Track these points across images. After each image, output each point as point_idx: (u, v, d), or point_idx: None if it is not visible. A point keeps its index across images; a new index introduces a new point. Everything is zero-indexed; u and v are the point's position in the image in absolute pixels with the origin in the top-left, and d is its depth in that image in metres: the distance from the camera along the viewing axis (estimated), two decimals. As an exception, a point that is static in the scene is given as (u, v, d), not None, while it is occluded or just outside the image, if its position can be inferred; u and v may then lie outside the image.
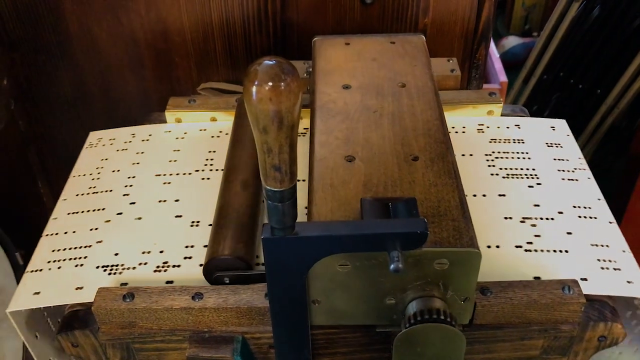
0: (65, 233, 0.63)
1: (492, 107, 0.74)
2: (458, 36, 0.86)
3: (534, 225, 0.60)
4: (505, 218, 0.61)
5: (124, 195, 0.66)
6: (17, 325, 0.56)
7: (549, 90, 1.68)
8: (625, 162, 1.51)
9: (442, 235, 0.47)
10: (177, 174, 0.68)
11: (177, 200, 0.65)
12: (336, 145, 0.56)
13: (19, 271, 0.83)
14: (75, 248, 0.61)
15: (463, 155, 0.69)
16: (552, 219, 0.61)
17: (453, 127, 0.73)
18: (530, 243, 0.58)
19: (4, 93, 0.88)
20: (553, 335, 0.53)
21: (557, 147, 0.70)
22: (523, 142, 0.70)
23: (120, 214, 0.64)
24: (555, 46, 1.62)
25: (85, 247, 0.60)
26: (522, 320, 0.52)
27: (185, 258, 0.58)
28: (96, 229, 0.62)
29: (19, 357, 0.80)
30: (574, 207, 0.62)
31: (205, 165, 0.69)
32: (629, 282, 0.55)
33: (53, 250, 0.61)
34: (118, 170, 0.70)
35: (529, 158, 0.68)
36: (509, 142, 0.70)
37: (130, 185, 0.67)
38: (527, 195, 0.64)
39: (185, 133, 0.74)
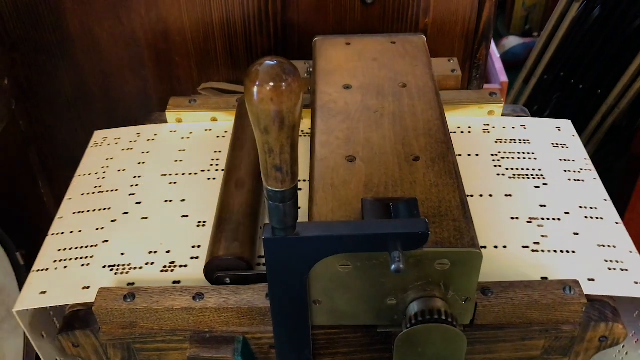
0: (71, 232, 0.63)
1: (492, 107, 0.74)
2: (459, 36, 0.86)
3: (540, 226, 0.60)
4: (512, 218, 0.61)
5: (130, 194, 0.66)
6: (23, 325, 0.56)
7: (549, 91, 1.68)
8: (625, 162, 1.51)
9: (443, 235, 0.47)
10: (183, 174, 0.68)
11: (183, 200, 0.65)
12: (337, 146, 0.56)
13: (19, 271, 0.83)
14: (81, 247, 0.60)
15: (469, 155, 0.69)
16: (559, 219, 0.61)
17: (459, 127, 0.73)
18: (537, 243, 0.58)
19: (4, 93, 0.88)
20: (554, 335, 0.53)
21: (562, 147, 0.70)
22: (529, 143, 0.70)
23: (126, 213, 0.64)
24: (555, 46, 1.62)
25: (92, 246, 0.60)
26: (523, 321, 0.52)
27: (192, 258, 0.58)
28: (102, 228, 0.62)
29: (19, 357, 0.80)
30: (581, 207, 0.62)
31: (211, 165, 0.69)
32: (636, 282, 0.55)
33: (59, 250, 0.61)
34: (124, 170, 0.70)
35: (535, 158, 0.68)
36: (515, 143, 0.70)
37: (136, 185, 0.67)
38: (533, 195, 0.64)
39: (190, 133, 0.74)
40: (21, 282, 0.82)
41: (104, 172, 0.70)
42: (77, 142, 0.98)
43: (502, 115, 0.74)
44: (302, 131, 0.70)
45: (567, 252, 0.58)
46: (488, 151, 0.69)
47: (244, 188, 0.61)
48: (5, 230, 0.82)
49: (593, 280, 0.55)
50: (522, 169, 0.67)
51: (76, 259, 0.59)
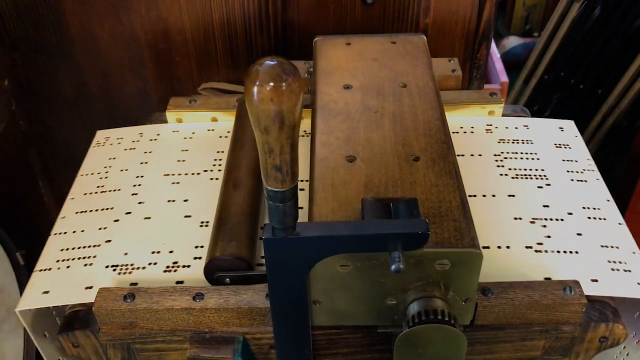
0: (74, 232, 0.62)
1: (493, 108, 0.74)
2: (459, 36, 0.86)
3: (543, 226, 0.60)
4: (515, 219, 0.61)
5: (133, 194, 0.66)
6: (25, 325, 0.56)
7: (549, 91, 1.68)
8: (626, 162, 1.51)
9: (443, 235, 0.47)
10: (186, 174, 0.68)
11: (186, 200, 0.65)
12: (337, 146, 0.56)
13: (19, 271, 0.83)
14: (84, 247, 0.60)
15: (472, 155, 0.69)
16: (562, 219, 0.61)
17: (461, 127, 0.73)
18: (541, 244, 0.58)
19: (4, 93, 0.88)
20: (554, 336, 0.53)
21: (565, 147, 0.70)
22: (532, 143, 0.70)
23: (129, 213, 0.64)
24: (556, 46, 1.62)
25: (94, 246, 0.60)
26: (523, 321, 0.52)
27: (195, 258, 0.58)
28: (105, 228, 0.62)
29: (19, 357, 0.80)
30: (584, 208, 0.62)
31: (214, 165, 0.69)
32: (639, 283, 0.55)
33: (62, 249, 0.61)
34: (126, 170, 0.70)
35: (537, 159, 0.68)
36: (518, 143, 0.70)
37: (139, 185, 0.67)
38: (536, 195, 0.64)
39: (193, 133, 0.74)
40: (21, 282, 0.82)
41: (107, 172, 0.70)
42: (77, 142, 0.98)
43: (503, 116, 0.74)
44: (305, 131, 0.70)
45: (571, 252, 0.58)
46: (491, 151, 0.69)
47: (243, 188, 0.61)
48: (5, 230, 0.82)
49: (596, 280, 0.55)
50: (525, 169, 0.67)
51: (79, 258, 0.59)
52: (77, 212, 0.65)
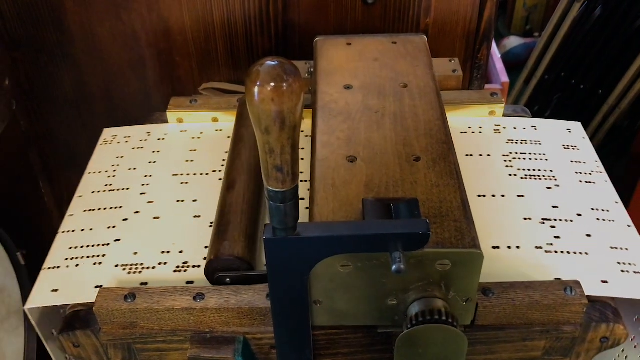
0: (82, 230, 0.62)
1: (493, 108, 0.74)
2: (460, 36, 0.86)
3: (553, 227, 0.60)
4: (525, 219, 0.61)
5: (141, 194, 0.66)
6: (34, 322, 0.56)
7: (550, 91, 1.68)
8: (626, 162, 1.51)
9: (444, 236, 0.47)
10: (194, 174, 0.68)
11: (195, 201, 0.65)
12: (338, 146, 0.56)
13: (20, 271, 0.83)
14: (93, 246, 0.60)
15: (481, 155, 0.69)
16: (571, 220, 0.61)
17: (470, 127, 0.73)
18: (551, 244, 0.58)
19: (5, 93, 0.88)
20: (555, 336, 0.53)
21: (573, 149, 0.70)
22: (540, 144, 0.70)
23: (138, 212, 0.64)
24: (556, 46, 1.62)
25: (104, 245, 0.60)
26: (524, 321, 0.52)
27: (205, 259, 0.58)
28: (114, 227, 0.62)
29: (19, 357, 0.80)
30: (592, 209, 0.62)
31: (222, 166, 0.69)
32: None
33: (70, 248, 0.61)
34: (134, 169, 0.69)
35: (546, 160, 0.68)
36: (526, 144, 0.70)
37: (147, 184, 0.67)
38: (545, 196, 0.64)
39: (201, 133, 0.74)
40: (22, 282, 0.83)
41: (115, 171, 0.70)
42: (78, 142, 0.98)
43: (503, 116, 0.74)
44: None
45: (581, 253, 0.58)
46: (499, 152, 0.69)
47: (244, 188, 0.61)
48: (5, 230, 0.82)
49: (606, 282, 0.55)
50: (534, 170, 0.67)
51: (88, 257, 0.59)
52: (85, 210, 0.65)
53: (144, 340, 0.54)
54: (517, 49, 2.10)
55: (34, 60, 0.90)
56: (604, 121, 1.59)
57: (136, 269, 0.58)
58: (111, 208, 0.65)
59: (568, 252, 0.58)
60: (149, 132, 0.75)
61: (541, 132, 0.72)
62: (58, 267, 0.59)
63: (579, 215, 0.62)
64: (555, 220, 0.61)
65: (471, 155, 0.68)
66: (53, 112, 0.95)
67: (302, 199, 0.57)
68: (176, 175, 0.68)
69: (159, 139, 0.74)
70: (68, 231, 0.63)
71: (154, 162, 0.70)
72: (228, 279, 0.54)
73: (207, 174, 0.68)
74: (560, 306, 0.51)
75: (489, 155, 0.69)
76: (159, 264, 0.58)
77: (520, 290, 0.52)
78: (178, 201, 0.65)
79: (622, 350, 0.60)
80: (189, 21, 0.85)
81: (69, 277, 0.58)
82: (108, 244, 0.60)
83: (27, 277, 0.83)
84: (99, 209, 0.65)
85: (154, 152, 0.72)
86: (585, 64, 1.59)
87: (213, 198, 0.64)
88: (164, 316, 0.52)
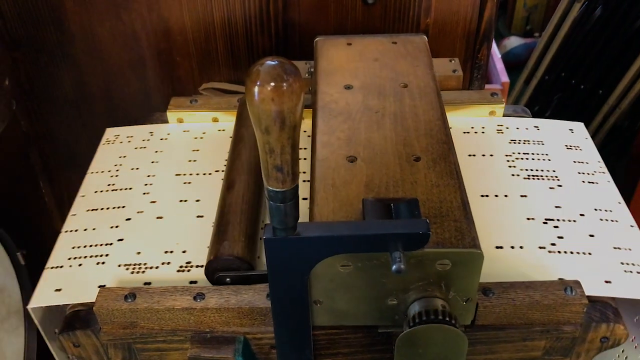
0: (85, 230, 0.62)
1: (494, 108, 0.74)
2: (460, 36, 0.86)
3: (556, 227, 0.60)
4: (528, 219, 0.61)
5: (144, 193, 0.66)
6: (36, 322, 0.56)
7: (550, 91, 1.68)
8: (626, 162, 1.51)
9: (444, 236, 0.47)
10: (197, 174, 0.68)
11: (198, 201, 0.65)
12: (338, 146, 0.56)
13: (20, 271, 0.83)
14: (96, 245, 0.60)
15: (484, 155, 0.69)
16: (574, 220, 0.61)
17: (472, 127, 0.73)
18: (554, 244, 0.58)
19: (5, 93, 0.88)
20: (555, 336, 0.53)
21: (576, 149, 0.70)
22: (543, 144, 0.70)
23: (141, 212, 0.64)
24: (557, 47, 1.62)
25: (107, 244, 0.60)
26: (524, 321, 0.52)
27: None
28: (117, 226, 0.62)
29: (19, 357, 0.80)
30: (595, 209, 0.62)
31: (225, 165, 0.69)
32: None
33: (73, 247, 0.61)
34: (137, 168, 0.70)
35: (549, 160, 0.68)
36: (529, 144, 0.70)
37: (150, 184, 0.67)
38: (548, 196, 0.64)
39: (203, 133, 0.74)
40: (22, 282, 0.82)
41: (117, 170, 0.70)
42: (78, 142, 0.98)
43: (503, 116, 0.74)
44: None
45: (584, 253, 0.58)
46: (502, 152, 0.69)
47: (244, 188, 0.61)
48: (5, 230, 0.82)
49: (610, 282, 0.55)
50: (537, 170, 0.67)
51: (91, 256, 0.59)
52: (88, 210, 0.65)
53: (144, 340, 0.54)
54: (517, 49, 2.10)
55: (34, 60, 0.90)
56: (604, 121, 1.59)
57: (139, 268, 0.58)
58: (114, 208, 0.65)
59: (571, 252, 0.58)
60: (151, 132, 0.75)
61: (544, 132, 0.72)
62: (61, 267, 0.59)
63: (582, 215, 0.62)
64: (558, 220, 0.61)
65: (474, 155, 0.68)
66: (53, 112, 0.95)
67: (305, 198, 0.57)
68: (179, 175, 0.68)
69: (161, 139, 0.74)
70: (71, 231, 0.63)
71: (157, 161, 0.70)
72: (228, 279, 0.54)
73: (209, 174, 0.68)
74: (561, 306, 0.51)
75: (491, 155, 0.69)
76: (162, 263, 0.58)
77: (521, 290, 0.52)
78: (181, 201, 0.65)
79: (622, 351, 0.60)
80: (189, 21, 0.85)
81: (72, 276, 0.58)
82: (111, 244, 0.60)
83: (27, 277, 0.83)
84: (102, 209, 0.65)
85: (156, 152, 0.72)
86: (585, 64, 1.59)
87: (216, 198, 0.64)
88: (164, 316, 0.52)
